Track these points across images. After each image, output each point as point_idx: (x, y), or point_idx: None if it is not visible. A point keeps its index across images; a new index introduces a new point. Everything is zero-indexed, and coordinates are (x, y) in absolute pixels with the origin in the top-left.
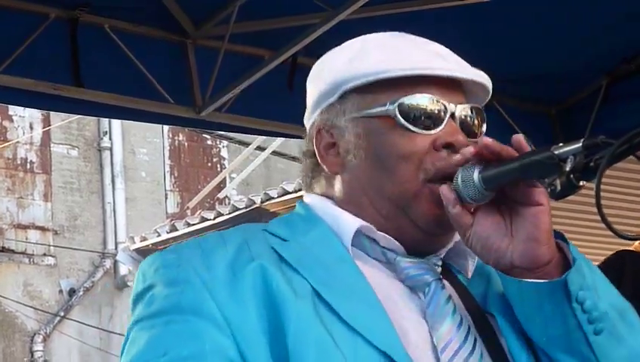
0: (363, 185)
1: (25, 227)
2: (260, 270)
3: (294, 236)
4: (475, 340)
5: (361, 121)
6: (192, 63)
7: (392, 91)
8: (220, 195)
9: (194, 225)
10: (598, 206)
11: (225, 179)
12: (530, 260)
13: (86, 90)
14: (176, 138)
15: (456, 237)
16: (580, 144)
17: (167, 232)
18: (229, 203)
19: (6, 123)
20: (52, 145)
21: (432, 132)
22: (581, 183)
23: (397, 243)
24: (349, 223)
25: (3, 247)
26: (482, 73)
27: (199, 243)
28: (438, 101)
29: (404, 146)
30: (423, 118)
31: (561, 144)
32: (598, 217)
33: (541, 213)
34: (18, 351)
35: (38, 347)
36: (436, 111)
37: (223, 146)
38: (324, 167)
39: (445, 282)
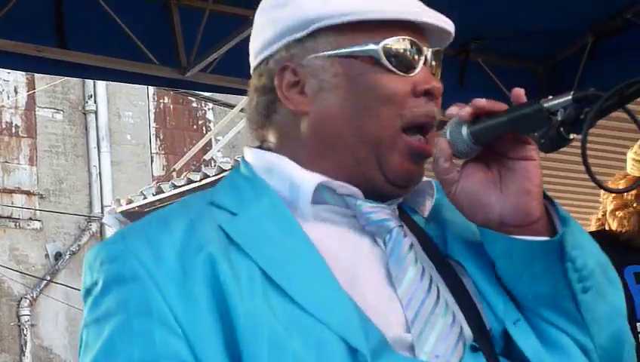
0: (340, 124)
1: (10, 191)
2: (209, 261)
3: (243, 208)
4: (438, 288)
5: (338, 60)
6: (177, 24)
7: (370, 32)
8: (206, 157)
9: (180, 186)
10: (584, 157)
11: (210, 141)
12: (522, 215)
13: (70, 51)
14: (161, 101)
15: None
16: (570, 97)
17: (154, 194)
18: (214, 165)
19: None
20: (37, 108)
21: (411, 75)
22: (571, 136)
23: (356, 189)
24: (307, 180)
25: None
26: (446, 18)
27: (144, 230)
28: (416, 45)
29: (387, 87)
30: (403, 60)
31: (550, 97)
32: (586, 175)
33: (532, 165)
34: (5, 316)
35: (25, 311)
36: (414, 55)
37: (209, 109)
38: (290, 105)
39: (406, 228)
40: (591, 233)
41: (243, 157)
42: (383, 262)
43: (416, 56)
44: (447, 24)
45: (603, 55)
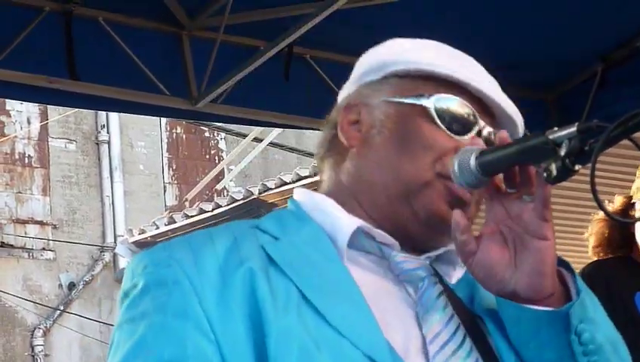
0: (379, 161)
1: (24, 221)
2: (248, 275)
3: (286, 234)
4: (465, 336)
5: (395, 105)
6: (188, 55)
7: (433, 87)
8: (218, 187)
9: (192, 216)
10: (593, 189)
11: (223, 170)
12: (534, 293)
13: (81, 82)
14: (174, 131)
15: (448, 245)
16: (575, 128)
17: (166, 225)
18: (227, 194)
19: (3, 118)
20: (50, 139)
21: (457, 138)
22: (576, 167)
23: (392, 239)
24: (346, 224)
25: (2, 242)
26: (513, 105)
27: (189, 242)
28: (473, 113)
29: (430, 138)
30: (453, 121)
31: (556, 128)
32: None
33: (547, 247)
34: (19, 346)
35: (39, 341)
36: (467, 122)
37: (221, 138)
38: (343, 138)
39: (437, 279)
40: (612, 259)
41: (292, 196)
42: (412, 306)
43: (468, 123)
44: (510, 107)
45: (613, 83)
